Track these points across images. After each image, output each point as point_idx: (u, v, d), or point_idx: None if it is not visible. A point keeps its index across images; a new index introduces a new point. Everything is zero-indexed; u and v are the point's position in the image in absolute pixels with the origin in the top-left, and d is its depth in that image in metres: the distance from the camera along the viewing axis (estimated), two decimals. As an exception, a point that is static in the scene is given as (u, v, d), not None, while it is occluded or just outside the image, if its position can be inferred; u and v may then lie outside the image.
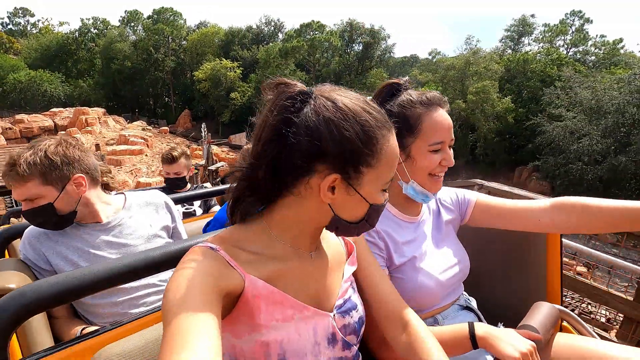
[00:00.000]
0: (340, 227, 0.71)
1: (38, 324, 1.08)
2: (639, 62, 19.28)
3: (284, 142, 0.63)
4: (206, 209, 2.77)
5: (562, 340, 0.94)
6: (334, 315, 0.73)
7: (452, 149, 1.02)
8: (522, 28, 36.11)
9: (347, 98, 0.66)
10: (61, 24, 54.74)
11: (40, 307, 0.73)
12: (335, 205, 0.68)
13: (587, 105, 20.15)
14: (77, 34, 46.72)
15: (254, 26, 44.42)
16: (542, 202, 1.04)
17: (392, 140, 0.68)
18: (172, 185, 2.76)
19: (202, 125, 18.24)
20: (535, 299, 0.95)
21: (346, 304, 0.77)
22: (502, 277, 1.27)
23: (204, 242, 0.66)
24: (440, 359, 0.74)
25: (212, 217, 1.76)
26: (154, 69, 43.23)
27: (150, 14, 44.85)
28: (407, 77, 1.05)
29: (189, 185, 2.87)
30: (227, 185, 1.98)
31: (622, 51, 30.59)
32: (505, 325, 0.90)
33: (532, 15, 35.76)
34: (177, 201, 1.72)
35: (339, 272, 0.80)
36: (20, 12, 54.89)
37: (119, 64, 41.99)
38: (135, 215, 1.39)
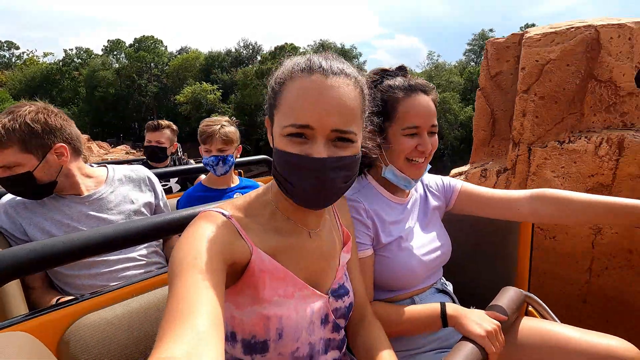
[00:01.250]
0: (279, 184, 0.69)
1: (13, 293, 1.06)
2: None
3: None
4: (185, 187, 2.63)
5: (527, 324, 0.97)
6: (329, 297, 0.76)
7: (434, 136, 1.02)
8: (483, 42, 38.76)
9: (306, 54, 0.69)
10: (45, 54, 55.93)
11: (17, 273, 0.70)
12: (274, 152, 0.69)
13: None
14: (61, 64, 48.11)
15: (233, 50, 46.37)
16: (523, 192, 1.07)
17: (303, 84, 0.63)
18: (151, 155, 2.58)
19: (178, 146, 19.53)
20: (505, 285, 1.00)
21: (340, 289, 0.79)
22: (476, 263, 1.31)
23: (217, 207, 0.66)
24: (382, 342, 0.81)
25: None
26: (138, 94, 44.67)
27: (132, 42, 46.58)
28: (401, 64, 1.06)
29: (169, 160, 2.73)
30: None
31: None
32: (477, 308, 0.93)
33: (491, 30, 38.48)
34: (160, 176, 1.69)
35: (336, 258, 0.82)
36: (5, 45, 56.16)
37: (102, 91, 43.43)
38: (117, 190, 1.36)
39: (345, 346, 0.83)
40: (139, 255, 1.33)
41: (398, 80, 1.02)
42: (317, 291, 0.73)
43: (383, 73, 1.05)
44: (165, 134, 2.61)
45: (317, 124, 0.61)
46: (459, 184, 1.18)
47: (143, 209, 1.39)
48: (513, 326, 0.96)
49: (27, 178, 1.16)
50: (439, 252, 1.09)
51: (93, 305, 0.79)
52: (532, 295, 1.03)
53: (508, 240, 1.26)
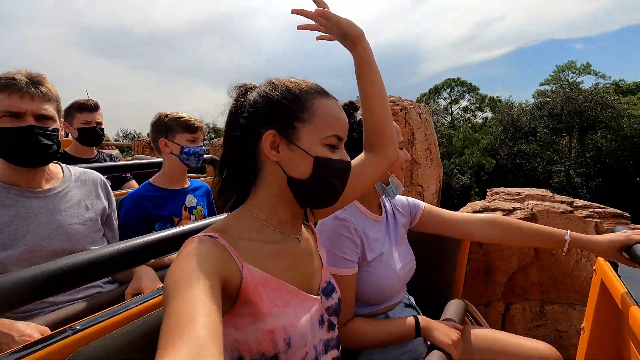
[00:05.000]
0: (302, 191, 0.71)
1: None
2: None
3: (237, 125, 0.71)
4: (117, 183, 2.36)
5: (472, 331, 1.10)
6: (320, 297, 0.77)
7: None
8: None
9: (283, 77, 0.74)
10: None
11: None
12: (283, 163, 0.70)
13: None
14: None
15: (113, 140, 43.02)
16: (475, 216, 1.21)
17: (328, 103, 0.73)
18: (92, 138, 2.18)
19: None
20: (445, 292, 1.12)
21: (328, 287, 0.81)
22: (422, 274, 1.37)
23: (201, 233, 0.66)
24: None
25: (125, 194, 1.58)
26: None
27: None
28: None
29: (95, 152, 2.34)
30: (154, 160, 2.29)
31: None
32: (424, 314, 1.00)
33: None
34: (106, 170, 1.57)
35: (317, 256, 0.83)
36: None
37: None
38: (72, 191, 1.20)
39: (340, 344, 0.83)
40: None
41: None
42: (310, 295, 0.75)
43: (352, 105, 1.13)
44: (101, 114, 2.22)
45: (345, 136, 0.76)
46: (422, 204, 1.28)
47: (98, 217, 1.24)
48: (462, 333, 1.06)
49: (56, 135, 1.10)
50: (408, 267, 1.18)
51: (86, 337, 0.69)
52: (470, 304, 1.18)
53: (449, 255, 1.41)
